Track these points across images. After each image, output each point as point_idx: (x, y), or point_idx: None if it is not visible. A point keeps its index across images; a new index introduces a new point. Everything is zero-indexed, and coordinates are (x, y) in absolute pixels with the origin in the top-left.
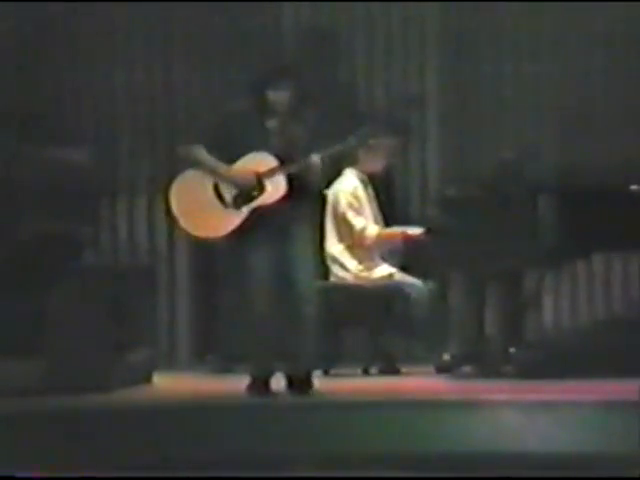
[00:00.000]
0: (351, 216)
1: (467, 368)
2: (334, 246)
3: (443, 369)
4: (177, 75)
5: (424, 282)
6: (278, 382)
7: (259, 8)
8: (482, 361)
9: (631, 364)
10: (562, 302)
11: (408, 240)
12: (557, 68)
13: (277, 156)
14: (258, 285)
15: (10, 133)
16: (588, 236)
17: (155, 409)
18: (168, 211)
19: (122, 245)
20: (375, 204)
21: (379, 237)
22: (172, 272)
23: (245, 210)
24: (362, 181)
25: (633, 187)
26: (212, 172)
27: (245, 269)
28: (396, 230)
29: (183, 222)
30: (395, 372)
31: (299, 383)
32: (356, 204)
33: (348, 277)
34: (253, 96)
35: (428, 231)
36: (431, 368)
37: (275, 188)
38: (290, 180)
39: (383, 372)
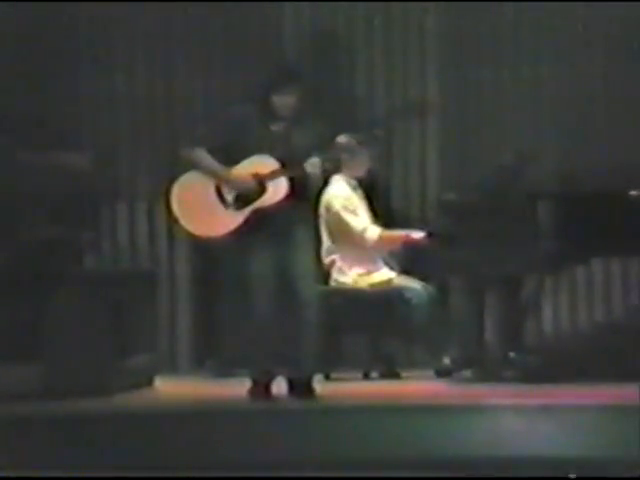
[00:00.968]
0: (350, 219)
1: (467, 372)
2: (331, 252)
3: (443, 373)
4: (178, 79)
5: (424, 286)
6: (279, 387)
7: (260, 10)
8: (482, 365)
9: (631, 368)
10: (562, 306)
11: (409, 244)
12: (557, 73)
13: (279, 159)
14: (259, 289)
15: (10, 138)
16: (587, 241)
17: (156, 414)
18: (169, 211)
19: (122, 250)
20: (365, 207)
21: (381, 239)
22: (172, 277)
23: (246, 211)
24: (351, 186)
25: (632, 192)
26: (213, 174)
27: (246, 273)
28: (399, 233)
29: (184, 222)
30: (395, 376)
31: (300, 387)
32: (351, 207)
33: (348, 282)
34: (257, 100)
35: (428, 235)
36: (431, 372)
37: (276, 190)
38: (291, 183)
39: (384, 376)
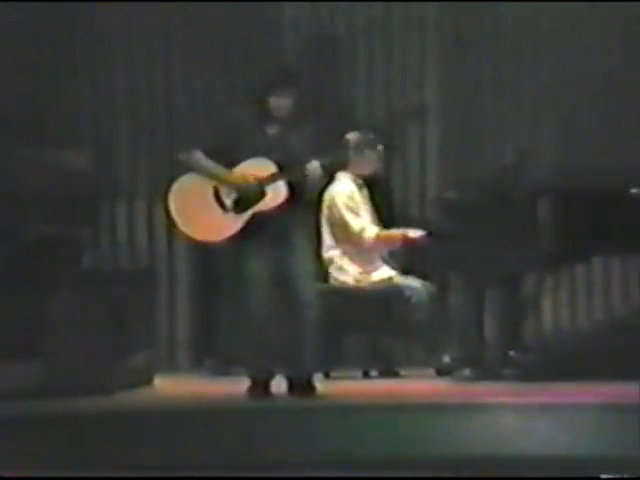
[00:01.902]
0: (349, 218)
1: (467, 371)
2: (332, 250)
3: (443, 372)
4: (177, 78)
5: (424, 285)
6: (279, 385)
7: (260, 10)
8: (482, 364)
9: (630, 367)
10: (562, 305)
11: (408, 243)
12: (557, 71)
13: (277, 162)
14: (257, 289)
15: (9, 136)
16: (587, 239)
17: (155, 412)
18: (167, 214)
19: (122, 248)
20: (370, 206)
21: (378, 239)
22: (172, 275)
23: (245, 215)
24: (357, 184)
25: (633, 190)
26: (213, 177)
27: (245, 271)
28: (396, 232)
29: (182, 226)
30: (395, 375)
31: (300, 386)
32: (353, 206)
33: (348, 280)
34: (254, 102)
35: (428, 234)
36: (431, 371)
37: (275, 194)
38: (290, 186)
39: (383, 375)
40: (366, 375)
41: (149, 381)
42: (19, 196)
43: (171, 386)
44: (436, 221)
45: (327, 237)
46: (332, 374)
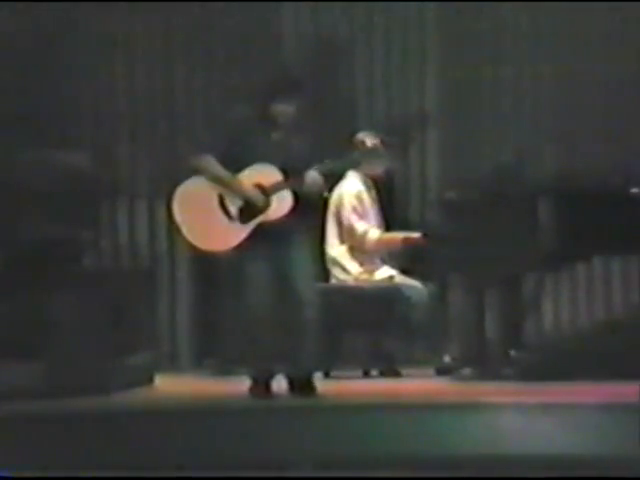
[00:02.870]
0: (354, 219)
1: (467, 370)
2: (335, 248)
3: (443, 371)
4: (178, 78)
5: (424, 285)
6: (279, 385)
7: (260, 12)
8: (482, 363)
9: (631, 366)
10: (562, 305)
11: (408, 243)
12: (556, 71)
13: (281, 168)
14: (258, 288)
15: (10, 136)
16: (588, 239)
17: (156, 411)
18: (171, 220)
19: (123, 248)
20: (377, 207)
21: (380, 242)
22: (173, 274)
23: (251, 224)
24: (366, 184)
25: (633, 190)
26: (222, 184)
27: (244, 272)
28: (397, 235)
29: (187, 234)
30: (395, 374)
31: (300, 385)
32: (360, 207)
33: (349, 279)
34: (257, 107)
35: (429, 235)
36: (431, 370)
37: (281, 203)
38: (294, 194)
39: (384, 374)
40: (366, 374)
41: (149, 381)
42: (19, 196)
43: (172, 386)
44: (436, 221)
45: (331, 235)
46: (332, 373)
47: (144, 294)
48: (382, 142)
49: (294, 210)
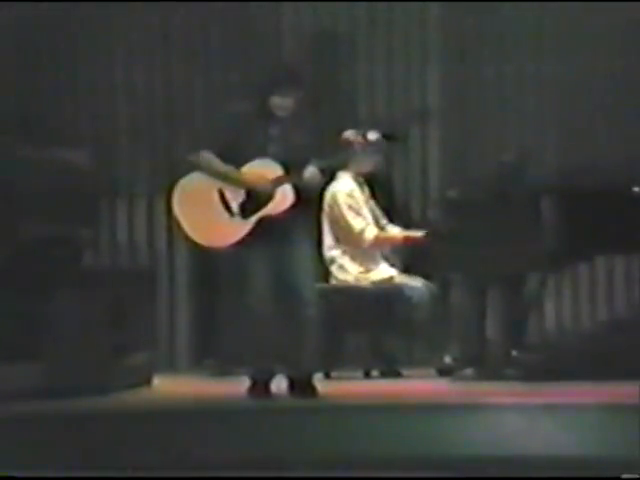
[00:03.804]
0: (350, 217)
1: (469, 371)
2: (333, 248)
3: (445, 372)
4: (177, 76)
5: (425, 284)
6: (279, 385)
7: (259, 9)
8: (484, 364)
9: (633, 366)
10: (564, 304)
11: (409, 242)
12: (558, 70)
13: (281, 162)
14: (257, 288)
15: (9, 134)
16: (590, 238)
17: (155, 412)
18: (170, 217)
19: (121, 248)
20: (371, 205)
21: (377, 239)
22: (172, 274)
23: (253, 219)
24: (358, 183)
25: (635, 189)
26: (225, 178)
27: (245, 271)
28: (396, 234)
29: (189, 231)
30: (396, 375)
31: (300, 386)
32: (355, 205)
33: (349, 279)
34: (256, 101)
35: (429, 234)
36: (432, 371)
37: (283, 197)
38: (296, 189)
39: (384, 375)
40: (367, 375)
41: (148, 381)
42: (19, 196)
43: (171, 386)
44: (438, 220)
45: (328, 236)
46: (333, 374)
47: (143, 294)
48: (383, 136)
49: (295, 206)
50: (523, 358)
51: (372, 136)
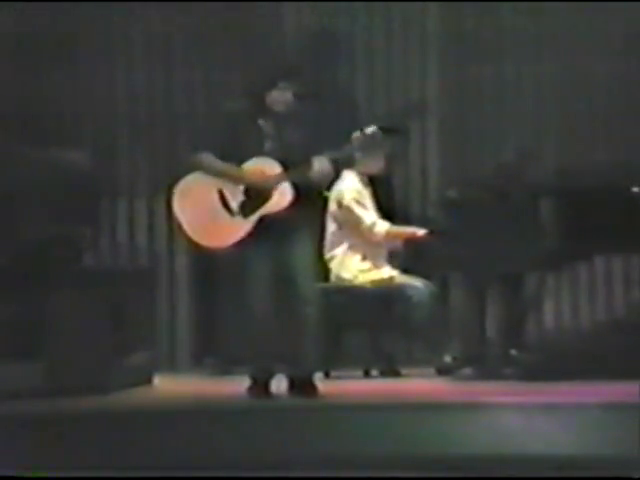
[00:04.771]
0: (361, 212)
1: (468, 370)
2: (335, 247)
3: (444, 371)
4: (177, 76)
5: (425, 284)
6: (279, 385)
7: (259, 9)
8: (483, 363)
9: (632, 366)
10: (563, 304)
11: (412, 241)
12: (558, 70)
13: (278, 159)
14: (258, 287)
15: (9, 135)
16: (589, 238)
17: (155, 411)
18: (170, 218)
19: (122, 247)
20: (376, 205)
21: (389, 234)
22: (172, 274)
23: (253, 218)
24: (362, 182)
25: (634, 189)
26: (226, 177)
27: (245, 270)
28: (406, 229)
29: (189, 231)
30: (396, 374)
31: (300, 385)
32: (362, 201)
33: (349, 279)
34: (252, 97)
35: (433, 233)
36: (432, 370)
37: (282, 195)
38: (295, 187)
39: (384, 374)
40: (367, 374)
41: (149, 380)
42: (19, 196)
43: (171, 386)
44: (438, 220)
45: (331, 234)
46: (333, 373)
47: (143, 293)
48: (381, 129)
49: (295, 204)
50: (522, 358)
51: (370, 131)
